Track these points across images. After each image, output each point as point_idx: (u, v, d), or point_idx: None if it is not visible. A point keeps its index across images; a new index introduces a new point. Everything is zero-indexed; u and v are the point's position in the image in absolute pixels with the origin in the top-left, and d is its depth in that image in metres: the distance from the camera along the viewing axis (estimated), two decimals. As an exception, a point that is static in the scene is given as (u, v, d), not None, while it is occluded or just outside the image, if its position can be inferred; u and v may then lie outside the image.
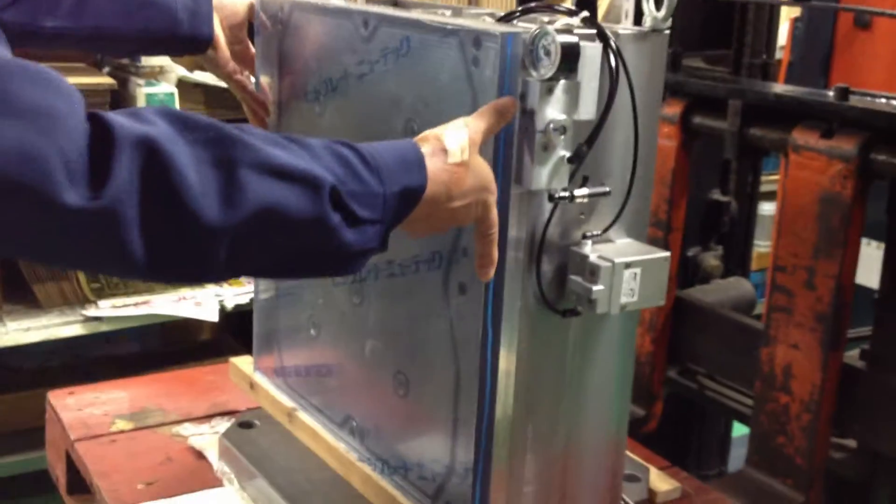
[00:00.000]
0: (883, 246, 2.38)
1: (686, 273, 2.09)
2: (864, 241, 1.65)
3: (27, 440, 2.88)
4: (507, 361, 1.21)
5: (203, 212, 0.89)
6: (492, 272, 1.13)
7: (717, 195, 2.15)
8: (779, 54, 2.60)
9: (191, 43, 1.46)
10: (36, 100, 0.84)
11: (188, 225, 0.89)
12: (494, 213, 1.11)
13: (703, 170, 2.07)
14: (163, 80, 2.86)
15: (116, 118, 0.88)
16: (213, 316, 2.99)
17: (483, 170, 1.10)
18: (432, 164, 1.05)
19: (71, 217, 0.83)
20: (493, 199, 1.10)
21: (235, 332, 3.51)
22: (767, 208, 3.44)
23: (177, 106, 2.82)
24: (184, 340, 3.59)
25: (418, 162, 1.04)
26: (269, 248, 0.97)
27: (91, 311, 2.92)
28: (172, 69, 2.89)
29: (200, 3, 1.45)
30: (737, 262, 2.22)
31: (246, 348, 1.73)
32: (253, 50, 1.55)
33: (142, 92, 2.76)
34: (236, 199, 0.91)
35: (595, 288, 1.17)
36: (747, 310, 2.08)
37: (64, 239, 0.87)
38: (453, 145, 1.07)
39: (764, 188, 2.45)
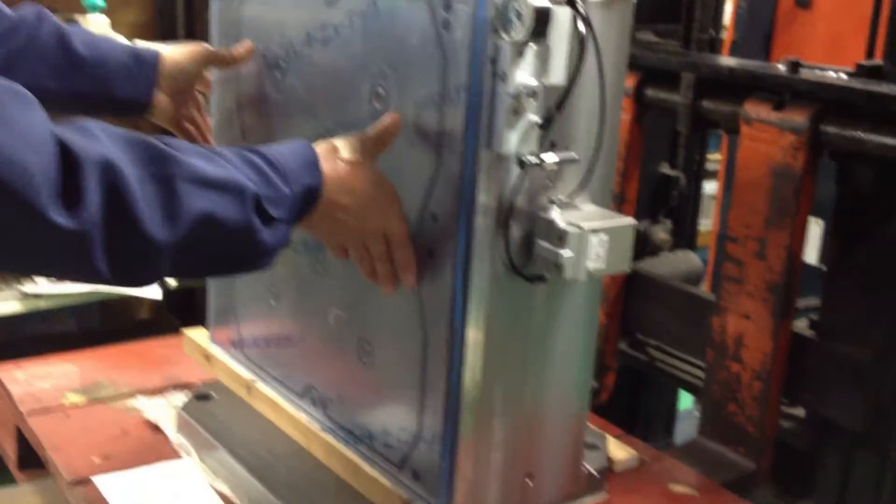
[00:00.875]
0: (821, 223, 2.44)
1: (636, 246, 2.11)
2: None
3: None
4: (475, 327, 1.21)
5: (152, 230, 0.97)
6: (413, 279, 1.23)
7: (665, 169, 2.18)
8: (723, 34, 2.64)
9: (127, 106, 1.46)
10: (15, 114, 0.89)
11: (141, 241, 0.97)
12: (404, 228, 1.21)
13: (653, 144, 2.10)
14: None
15: (71, 136, 0.93)
16: (157, 294, 2.95)
17: (383, 181, 1.20)
18: (325, 163, 1.15)
19: (52, 233, 0.89)
20: (398, 212, 1.21)
21: (176, 310, 3.46)
22: (709, 188, 3.50)
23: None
24: (123, 318, 3.53)
25: (314, 161, 1.14)
26: (205, 254, 1.06)
27: (29, 288, 2.85)
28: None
29: (142, 62, 1.45)
30: (684, 236, 2.25)
31: (187, 326, 1.72)
32: (199, 100, 1.54)
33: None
34: (177, 213, 0.99)
35: (563, 253, 1.17)
36: (695, 283, 2.12)
37: (39, 250, 0.93)
38: (344, 145, 1.18)
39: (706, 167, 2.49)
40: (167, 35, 3.37)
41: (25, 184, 0.87)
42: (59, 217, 0.89)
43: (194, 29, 3.41)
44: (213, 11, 1.54)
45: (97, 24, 2.80)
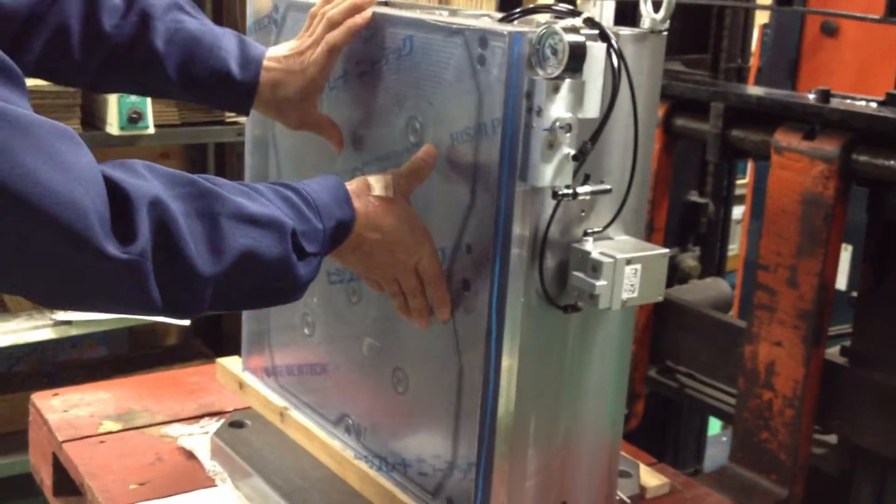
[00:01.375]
0: (850, 248, 2.44)
1: (665, 273, 2.12)
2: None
3: (13, 443, 2.86)
4: (510, 356, 1.22)
5: (198, 263, 1.01)
6: (448, 313, 1.26)
7: (694, 197, 2.19)
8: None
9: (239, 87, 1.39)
10: (67, 155, 0.93)
11: (188, 274, 1.01)
12: (436, 265, 1.23)
13: (681, 172, 2.11)
14: (135, 82, 2.83)
15: (120, 175, 0.97)
16: (184, 320, 2.98)
17: (413, 219, 1.22)
18: (357, 199, 1.18)
19: (109, 264, 0.94)
20: (430, 250, 1.23)
21: (204, 336, 3.49)
22: (736, 212, 3.51)
23: (149, 108, 2.80)
24: (151, 345, 3.56)
25: (346, 197, 1.17)
26: (245, 287, 1.10)
27: (60, 315, 2.89)
28: (145, 71, 2.86)
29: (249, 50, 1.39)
30: (713, 262, 2.26)
31: (215, 353, 1.73)
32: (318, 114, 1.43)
33: (113, 94, 2.74)
34: (221, 248, 1.03)
35: (598, 283, 1.19)
36: (725, 309, 2.12)
37: (98, 283, 0.97)
38: (377, 182, 1.21)
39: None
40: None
41: (81, 220, 0.91)
42: (115, 249, 0.93)
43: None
44: (248, 45, 1.56)
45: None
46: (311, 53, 1.34)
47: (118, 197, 0.95)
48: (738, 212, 3.69)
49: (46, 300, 1.08)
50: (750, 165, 3.22)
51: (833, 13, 2.42)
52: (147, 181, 0.99)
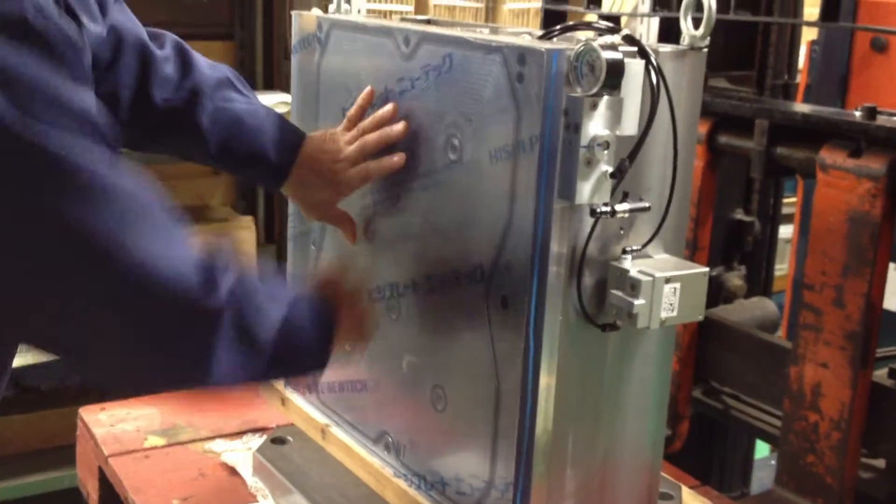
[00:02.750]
0: (901, 268, 2.39)
1: (710, 293, 2.10)
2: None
3: (47, 459, 2.90)
4: (547, 375, 1.22)
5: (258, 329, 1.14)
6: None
7: (740, 215, 2.16)
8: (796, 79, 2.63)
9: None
10: (179, 241, 1.08)
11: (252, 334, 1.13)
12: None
13: (726, 190, 2.09)
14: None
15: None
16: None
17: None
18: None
19: (206, 312, 1.08)
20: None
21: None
22: (784, 231, 3.46)
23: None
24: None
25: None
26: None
27: (111, 331, 2.93)
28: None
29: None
30: (759, 282, 2.23)
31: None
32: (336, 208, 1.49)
33: (164, 113, 2.78)
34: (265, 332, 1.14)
35: (636, 302, 1.18)
36: (771, 330, 2.09)
37: (196, 332, 1.09)
38: None
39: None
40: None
41: (183, 280, 1.05)
42: (209, 299, 1.06)
43: (273, 79, 3.51)
44: (293, 67, 1.59)
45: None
46: (344, 167, 1.39)
47: (207, 263, 1.08)
48: (787, 231, 3.64)
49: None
50: (798, 184, 3.18)
51: (879, 29, 2.38)
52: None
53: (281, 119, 1.44)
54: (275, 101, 3.06)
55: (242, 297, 1.10)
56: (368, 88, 1.41)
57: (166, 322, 1.06)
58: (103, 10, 1.30)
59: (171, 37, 1.45)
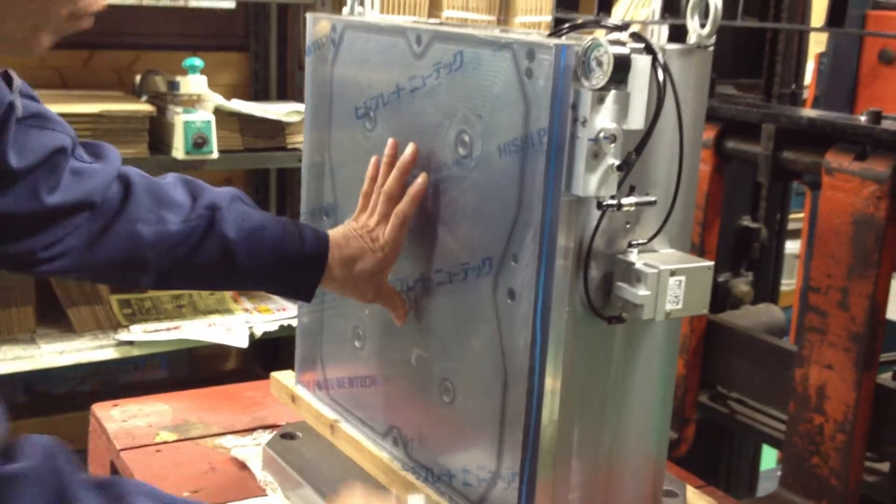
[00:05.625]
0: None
1: (716, 298, 2.12)
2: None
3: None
4: (554, 367, 1.24)
5: None
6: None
7: (747, 222, 2.18)
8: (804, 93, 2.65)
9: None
10: None
11: None
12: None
13: (734, 197, 2.11)
14: (200, 107, 2.93)
15: None
16: (243, 342, 3.03)
17: None
18: None
19: None
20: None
21: (262, 360, 3.55)
22: (791, 246, 3.47)
23: (213, 133, 2.88)
24: (211, 369, 3.63)
25: None
26: None
27: (123, 336, 2.97)
28: (209, 97, 2.95)
29: (306, 269, 1.42)
30: (766, 290, 2.25)
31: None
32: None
33: (179, 119, 2.83)
34: None
35: (641, 293, 1.20)
36: (778, 336, 2.10)
37: None
38: None
39: (789, 226, 2.48)
40: (260, 95, 3.51)
41: None
42: None
43: (286, 90, 3.55)
44: (307, 68, 1.62)
45: (196, 84, 2.93)
46: (382, 231, 1.40)
47: None
48: (795, 246, 3.65)
49: None
50: (806, 198, 3.20)
51: (887, 35, 2.41)
52: None
53: (298, 222, 1.46)
54: (288, 109, 3.09)
55: None
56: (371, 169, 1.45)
57: None
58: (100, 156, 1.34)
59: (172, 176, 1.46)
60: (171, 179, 1.43)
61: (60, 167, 1.30)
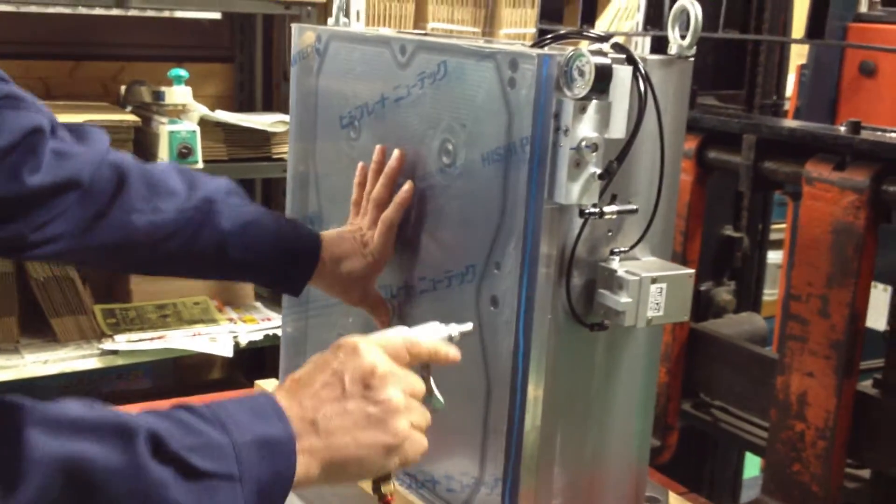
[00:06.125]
0: (889, 289, 2.43)
1: (699, 307, 2.14)
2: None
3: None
4: (537, 374, 1.25)
5: None
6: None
7: (729, 231, 2.20)
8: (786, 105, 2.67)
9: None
10: None
11: None
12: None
13: (716, 207, 2.13)
14: (185, 118, 2.93)
15: None
16: (228, 351, 3.03)
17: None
18: (291, 410, 0.95)
19: None
20: (395, 375, 1.01)
21: (247, 369, 3.55)
22: (773, 256, 3.50)
23: (198, 143, 2.88)
24: (196, 378, 3.62)
25: (273, 409, 0.94)
26: None
27: (107, 345, 2.96)
28: (194, 108, 2.96)
29: (299, 263, 1.42)
30: (748, 299, 2.26)
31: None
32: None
33: (164, 130, 2.83)
34: (18, 472, 0.80)
35: (623, 300, 1.21)
36: (760, 345, 2.12)
37: None
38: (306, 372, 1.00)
39: (771, 237, 2.51)
40: (246, 106, 3.51)
41: None
42: None
43: (272, 101, 3.56)
44: (292, 78, 1.63)
45: (181, 95, 2.94)
46: (371, 234, 1.41)
47: None
48: (777, 256, 3.68)
49: None
50: (788, 209, 3.22)
51: (866, 46, 2.43)
52: None
53: (292, 218, 1.47)
54: (273, 120, 3.10)
55: None
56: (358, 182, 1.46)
57: None
58: (84, 139, 1.32)
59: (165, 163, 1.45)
60: (165, 167, 1.43)
61: (39, 147, 1.25)
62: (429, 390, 1.00)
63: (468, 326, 1.14)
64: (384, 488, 0.98)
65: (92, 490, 0.82)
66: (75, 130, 1.34)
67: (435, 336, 1.09)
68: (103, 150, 1.35)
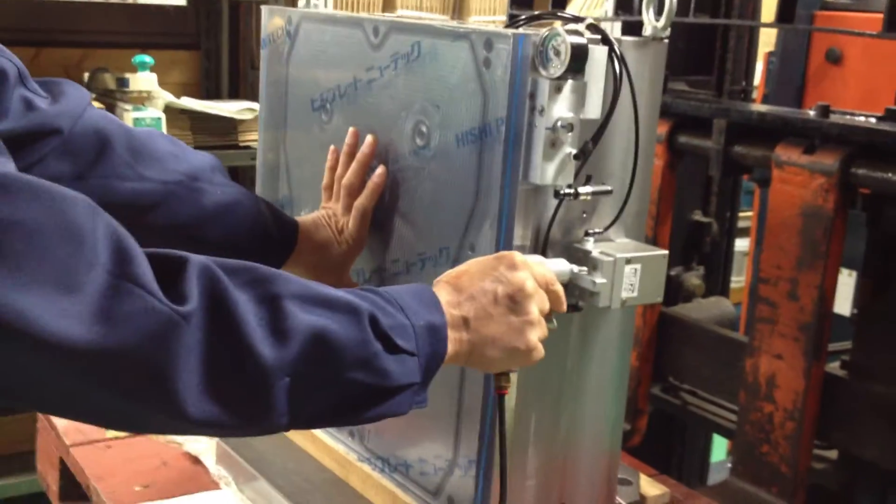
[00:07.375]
0: (854, 274, 2.46)
1: (669, 291, 2.15)
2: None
3: (19, 463, 2.90)
4: (511, 354, 1.24)
5: (257, 344, 0.90)
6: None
7: (698, 216, 2.21)
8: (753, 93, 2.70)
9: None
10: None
11: (247, 360, 0.90)
12: (544, 287, 1.12)
13: (686, 192, 2.14)
14: (150, 105, 2.90)
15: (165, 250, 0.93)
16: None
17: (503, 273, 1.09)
18: (450, 308, 1.07)
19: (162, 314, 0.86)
20: (531, 288, 1.10)
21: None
22: (740, 244, 3.52)
23: (164, 130, 2.85)
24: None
25: (434, 301, 1.06)
26: (324, 382, 0.97)
27: (72, 335, 2.92)
28: (159, 95, 2.92)
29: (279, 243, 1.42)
30: (717, 284, 2.28)
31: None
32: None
33: (129, 116, 2.79)
34: (286, 331, 0.93)
35: (598, 281, 1.21)
36: (729, 328, 2.13)
37: (152, 334, 0.86)
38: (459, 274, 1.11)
39: (738, 224, 2.52)
40: (212, 94, 3.48)
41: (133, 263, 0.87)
42: (169, 304, 0.87)
43: (238, 88, 3.53)
44: (262, 61, 1.61)
45: (145, 81, 2.90)
46: (346, 221, 1.41)
47: (169, 261, 0.91)
48: (744, 244, 3.71)
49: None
50: (755, 196, 3.25)
51: (834, 30, 2.46)
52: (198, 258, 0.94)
53: (271, 203, 1.46)
54: (240, 107, 3.07)
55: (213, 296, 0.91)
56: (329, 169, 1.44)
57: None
58: (60, 92, 1.28)
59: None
60: (150, 132, 1.39)
61: (4, 93, 1.20)
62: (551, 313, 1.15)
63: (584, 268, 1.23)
64: (503, 382, 1.14)
65: (332, 355, 0.96)
66: (49, 83, 1.30)
67: (564, 268, 1.22)
68: (83, 103, 1.31)
